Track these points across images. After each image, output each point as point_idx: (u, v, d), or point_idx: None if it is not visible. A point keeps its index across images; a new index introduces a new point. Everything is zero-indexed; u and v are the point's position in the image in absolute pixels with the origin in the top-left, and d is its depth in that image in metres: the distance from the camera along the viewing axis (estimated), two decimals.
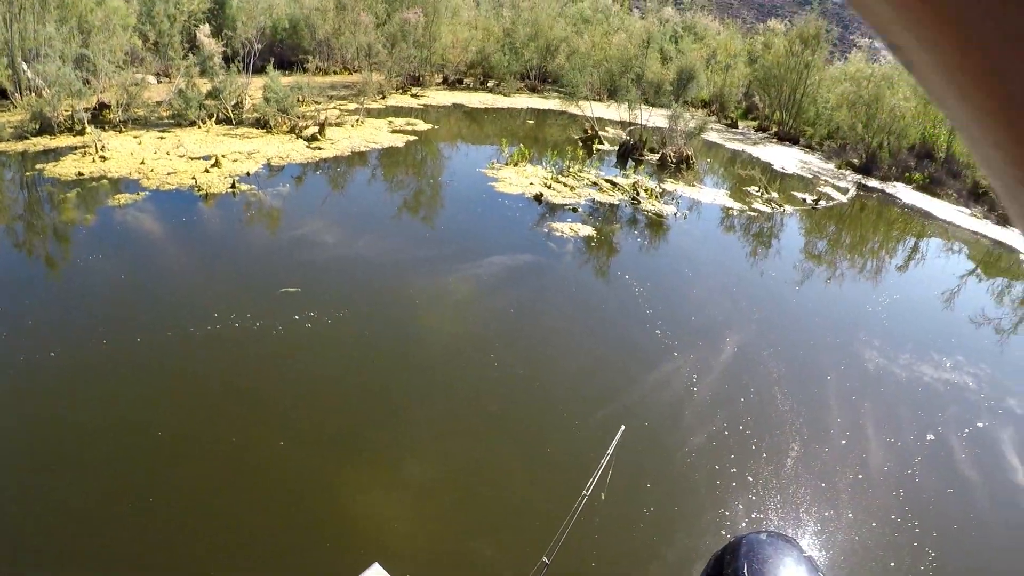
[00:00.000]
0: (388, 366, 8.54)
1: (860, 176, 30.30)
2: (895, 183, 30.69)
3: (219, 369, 8.17)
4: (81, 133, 19.14)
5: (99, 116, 20.60)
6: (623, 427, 4.42)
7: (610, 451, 4.16)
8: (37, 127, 19.28)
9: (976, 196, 30.79)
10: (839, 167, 31.71)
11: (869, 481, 7.57)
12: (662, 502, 6.59)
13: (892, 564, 6.35)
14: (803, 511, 6.76)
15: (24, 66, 23.00)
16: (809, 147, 36.40)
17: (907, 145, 33.65)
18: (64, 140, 18.66)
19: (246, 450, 6.79)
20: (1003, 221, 27.95)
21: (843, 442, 8.14)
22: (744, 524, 6.39)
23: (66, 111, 19.92)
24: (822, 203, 21.99)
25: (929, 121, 34.39)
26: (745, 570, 1.23)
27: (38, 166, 16.04)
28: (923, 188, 31.07)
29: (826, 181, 26.91)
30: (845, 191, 25.62)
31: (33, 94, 21.79)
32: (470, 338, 9.43)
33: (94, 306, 9.50)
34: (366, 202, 15.96)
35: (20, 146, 18.08)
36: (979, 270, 19.80)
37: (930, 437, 8.73)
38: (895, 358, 11.14)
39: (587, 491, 4.04)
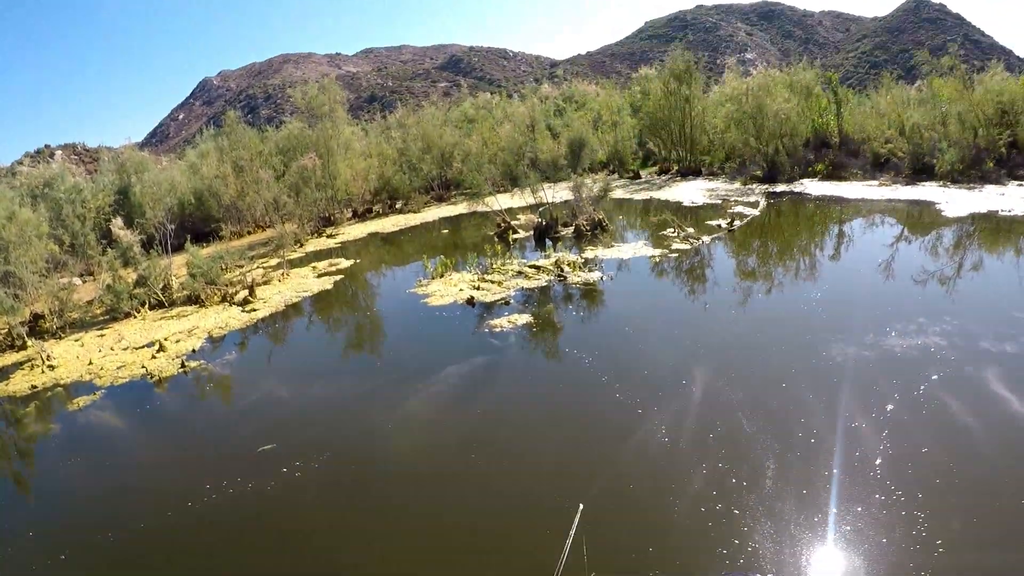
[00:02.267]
0: (380, 492, 8.61)
1: (766, 186, 31.22)
2: (801, 181, 31.67)
3: (234, 533, 8.25)
4: (23, 347, 19.25)
5: (36, 327, 20.73)
6: (581, 506, 4.48)
7: (572, 532, 4.19)
8: None
9: (879, 166, 31.88)
10: (744, 183, 32.63)
11: (866, 464, 7.75)
12: (659, 562, 6.68)
13: (884, 540, 6.52)
14: (794, 524, 6.86)
15: None
16: (712, 174, 37.42)
17: (801, 142, 34.67)
18: (8, 358, 18.72)
19: None
20: (911, 180, 28.92)
21: (821, 440, 8.33)
22: (741, 560, 6.47)
23: (2, 329, 20.02)
24: (736, 223, 22.54)
25: (815, 112, 35.52)
26: None
27: None
28: (828, 176, 32.08)
29: (736, 201, 27.63)
30: (756, 204, 26.33)
31: None
32: (445, 450, 9.52)
33: (89, 505, 9.57)
34: (312, 349, 16.14)
35: None
36: (906, 232, 20.45)
37: (920, 399, 9.08)
38: (858, 342, 11.45)
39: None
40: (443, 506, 8.21)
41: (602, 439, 9.13)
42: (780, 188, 30.51)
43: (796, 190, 29.86)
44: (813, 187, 30.20)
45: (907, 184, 28.34)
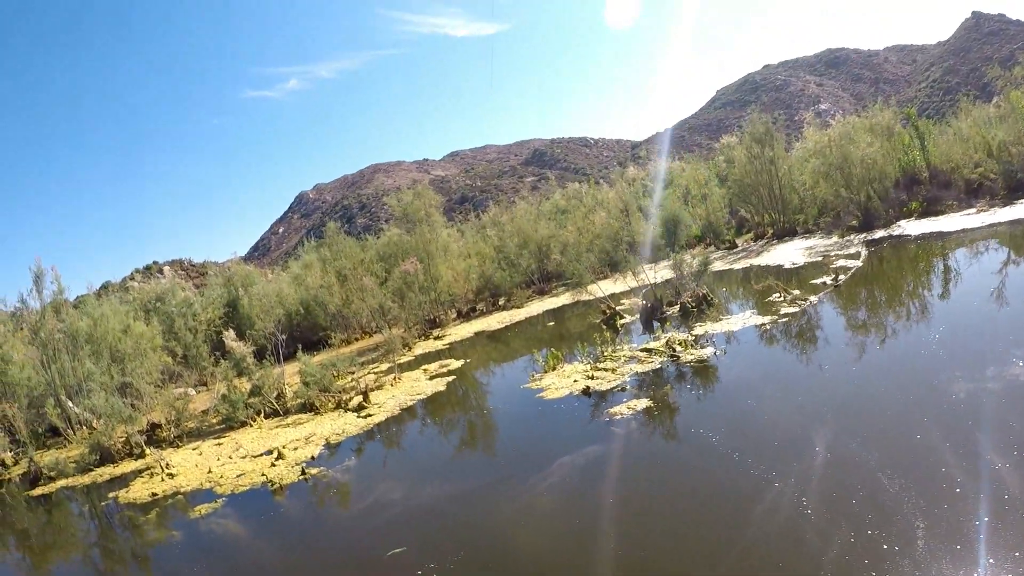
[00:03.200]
0: None
1: (864, 234, 30.94)
2: (897, 223, 31.35)
3: None
4: (141, 456, 20.13)
5: (153, 436, 21.74)
6: None
7: None
8: (98, 458, 20.38)
9: (972, 192, 31.39)
10: (842, 236, 32.38)
11: (1016, 506, 7.58)
12: None
13: None
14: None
15: (70, 403, 24.33)
16: (807, 232, 37.25)
17: (891, 184, 34.34)
18: (127, 466, 19.55)
19: None
20: (1008, 200, 28.30)
21: (965, 488, 8.16)
22: None
23: (120, 437, 20.94)
24: (841, 277, 22.40)
25: (899, 151, 35.22)
26: None
27: (110, 495, 16.87)
28: (924, 213, 31.70)
29: (836, 255, 27.46)
30: (857, 255, 26.13)
31: (84, 427, 22.93)
32: (579, 541, 9.63)
33: None
34: (431, 450, 16.39)
35: (86, 479, 19.18)
36: (1012, 255, 20.04)
37: None
38: (981, 379, 11.23)
39: None
40: None
41: (741, 515, 9.12)
42: (878, 234, 30.15)
43: (894, 233, 29.47)
44: (911, 227, 29.78)
45: (1004, 205, 27.78)
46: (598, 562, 9.05)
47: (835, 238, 32.57)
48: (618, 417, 14.40)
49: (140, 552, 13.48)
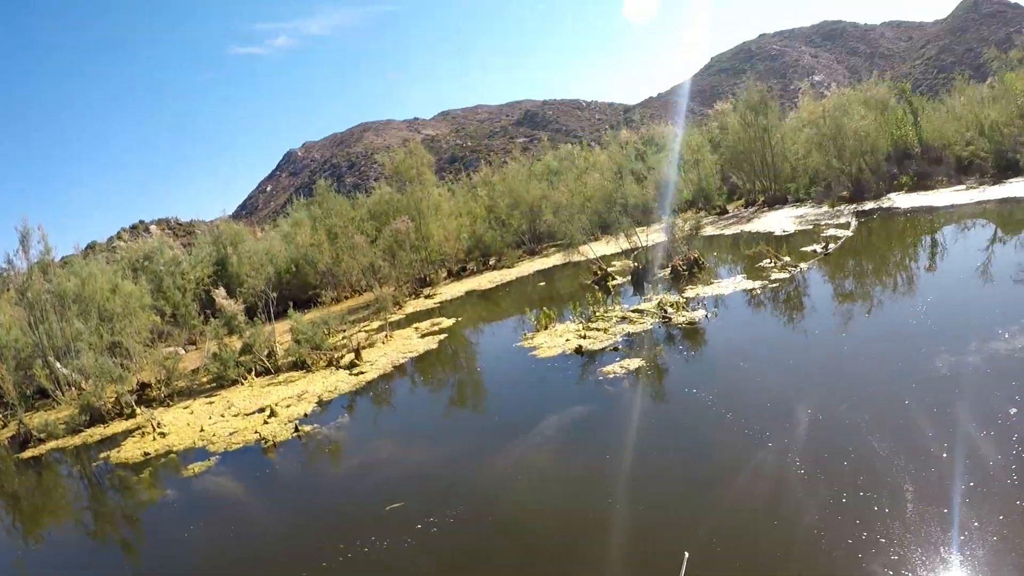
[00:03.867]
0: (515, 540, 8.78)
1: (854, 205, 31.16)
2: (888, 196, 31.56)
3: None
4: (132, 416, 20.08)
5: (143, 396, 21.58)
6: (686, 554, 4.45)
7: None
8: (88, 419, 20.30)
9: (963, 169, 31.63)
10: (832, 206, 32.57)
11: (1004, 471, 7.79)
12: None
13: None
14: (944, 539, 6.94)
15: (58, 364, 24.25)
16: (798, 201, 37.43)
17: (883, 157, 34.49)
18: (118, 426, 19.53)
19: None
20: (998, 179, 28.57)
21: (951, 453, 8.41)
22: None
23: (110, 398, 20.90)
24: (831, 246, 22.62)
25: (892, 125, 35.32)
26: None
27: (102, 455, 16.85)
28: (914, 187, 31.91)
29: (827, 224, 27.70)
30: (847, 225, 26.37)
31: (73, 388, 22.90)
32: (572, 496, 9.77)
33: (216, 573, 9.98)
34: (425, 408, 16.62)
35: (77, 439, 19.11)
36: (999, 232, 20.27)
37: (1014, 410, 8.99)
38: (964, 351, 11.47)
39: None
40: (573, 552, 8.46)
41: (734, 473, 9.35)
42: (868, 206, 30.41)
43: (884, 205, 29.73)
44: (901, 200, 30.05)
45: (994, 184, 28.07)
46: (590, 515, 9.23)
47: (825, 208, 32.80)
48: (611, 376, 14.57)
49: (133, 513, 13.52)
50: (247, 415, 17.74)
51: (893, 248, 22.54)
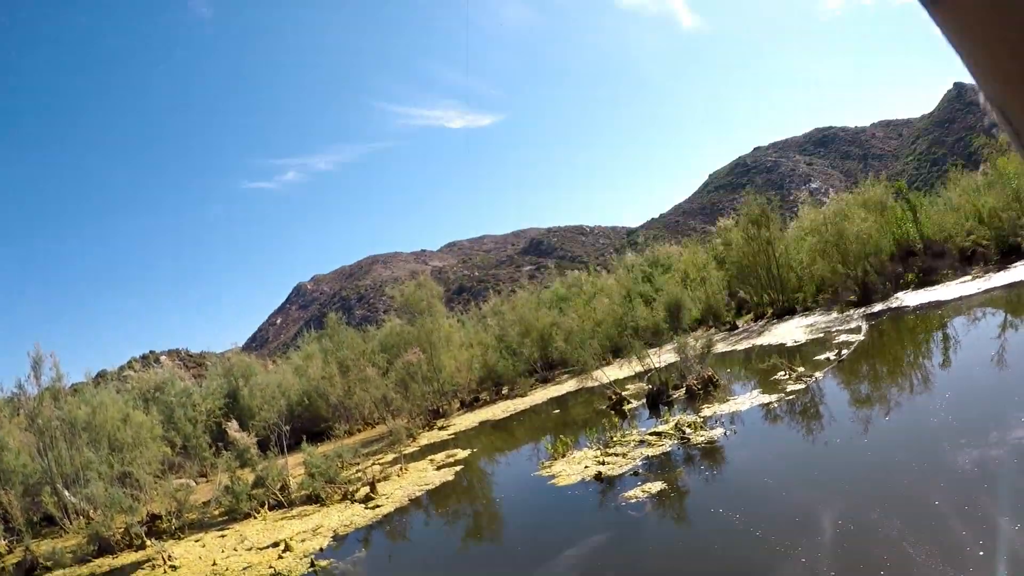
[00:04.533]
0: None
1: (863, 309, 31.16)
2: (896, 295, 31.61)
3: None
4: (142, 547, 19.61)
5: (153, 527, 21.14)
6: None
7: None
8: (96, 548, 19.84)
9: (967, 260, 31.78)
10: (841, 311, 32.59)
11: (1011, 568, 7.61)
12: None
13: None
14: None
15: (66, 492, 23.81)
16: (807, 310, 37.48)
17: (887, 257, 34.72)
18: (127, 557, 19.07)
19: None
20: (1002, 265, 28.69)
21: (987, 550, 8.13)
22: None
23: (119, 528, 20.40)
24: (844, 352, 22.53)
25: (892, 225, 35.71)
26: None
27: None
28: (920, 284, 32.01)
29: (838, 331, 27.63)
30: (858, 330, 26.31)
31: (81, 517, 22.42)
32: None
33: None
34: (445, 541, 16.22)
35: (84, 570, 18.61)
36: (1009, 318, 20.21)
37: None
38: (987, 444, 11.29)
39: None
40: None
41: None
42: (877, 308, 30.40)
43: (893, 306, 29.73)
44: (909, 298, 30.07)
45: (999, 270, 28.19)
46: None
47: (835, 314, 32.76)
48: (634, 500, 14.35)
49: None
50: (261, 549, 17.38)
51: (906, 348, 22.48)
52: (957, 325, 22.31)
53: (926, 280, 32.37)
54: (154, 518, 21.85)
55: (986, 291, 25.39)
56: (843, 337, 25.75)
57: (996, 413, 12.67)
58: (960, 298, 26.11)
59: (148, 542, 20.00)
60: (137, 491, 23.65)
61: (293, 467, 25.82)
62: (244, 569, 15.95)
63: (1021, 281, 23.90)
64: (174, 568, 17.16)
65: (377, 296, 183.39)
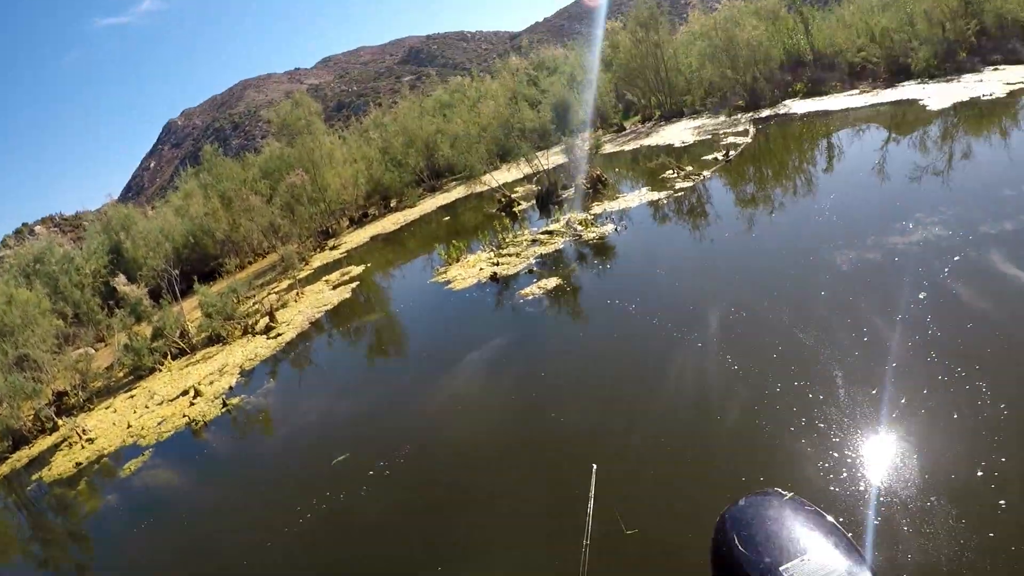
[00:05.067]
0: (467, 475, 8.72)
1: (751, 113, 31.47)
2: (784, 102, 31.94)
3: (347, 536, 8.31)
4: (55, 429, 18.75)
5: (62, 405, 20.17)
6: (595, 466, 4.51)
7: (591, 494, 4.23)
8: (10, 443, 18.67)
9: (856, 75, 32.10)
10: (729, 115, 32.87)
11: (920, 350, 7.93)
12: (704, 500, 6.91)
13: (955, 415, 6.77)
14: (877, 416, 7.06)
15: None
16: (695, 113, 37.61)
17: (776, 66, 34.76)
18: (43, 442, 18.19)
19: None
20: (890, 82, 29.15)
21: (873, 339, 8.51)
22: (844, 473, 6.72)
23: (28, 415, 19.52)
24: (732, 153, 22.74)
25: (784, 35, 35.63)
26: (735, 540, 1.49)
27: (33, 477, 15.55)
28: (809, 93, 32.32)
29: (725, 133, 27.88)
30: (746, 133, 26.61)
31: None
32: (514, 421, 9.71)
33: (175, 561, 9.40)
34: (351, 359, 16.19)
35: (4, 468, 17.57)
36: (893, 133, 20.56)
37: (923, 294, 9.16)
38: (862, 246, 11.61)
39: (587, 540, 4.09)
40: (515, 468, 8.54)
41: (668, 374, 9.40)
42: (765, 113, 30.70)
43: (781, 112, 30.06)
44: (797, 106, 30.40)
45: (887, 87, 28.55)
46: (528, 431, 9.17)
47: (723, 117, 33.03)
48: (531, 297, 14.47)
49: (79, 530, 12.58)
50: (172, 401, 16.86)
51: (792, 152, 22.81)
52: (842, 135, 22.55)
53: (814, 91, 32.64)
54: (60, 396, 20.58)
55: (873, 105, 25.71)
56: (730, 139, 25.99)
57: (874, 219, 12.96)
58: (847, 110, 26.44)
59: (60, 421, 18.88)
60: (38, 372, 22.34)
61: (189, 312, 25.07)
62: (159, 424, 15.44)
63: (908, 100, 24.23)
64: (91, 441, 16.39)
65: (253, 122, 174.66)
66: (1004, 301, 8.56)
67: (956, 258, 10.02)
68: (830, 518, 1.48)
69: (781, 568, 1.28)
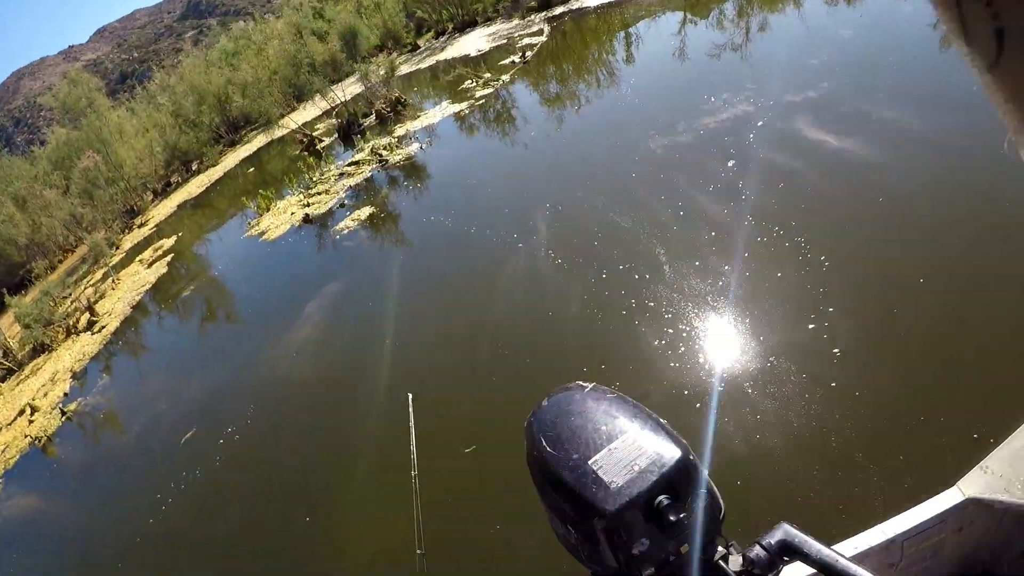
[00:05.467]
0: (303, 417, 8.42)
1: (544, 12, 31.07)
2: None
3: (217, 509, 7.94)
4: None
5: None
6: (411, 395, 4.39)
7: (411, 424, 4.11)
8: None
9: None
10: (523, 17, 32.46)
11: (737, 218, 7.92)
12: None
13: (779, 273, 6.75)
14: (704, 289, 7.03)
15: None
16: (488, 20, 37.00)
17: None
18: None
19: None
20: None
21: (689, 213, 8.49)
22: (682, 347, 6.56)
23: None
24: (529, 54, 22.49)
25: None
26: (543, 442, 1.25)
27: None
28: None
29: (520, 35, 27.55)
30: (541, 32, 26.35)
31: None
32: (357, 351, 9.48)
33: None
34: (183, 335, 15.22)
35: None
36: (688, 15, 20.71)
37: (732, 163, 9.20)
38: (674, 130, 11.48)
39: (415, 472, 3.97)
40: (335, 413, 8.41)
41: (494, 278, 9.25)
42: (559, 10, 30.42)
43: (574, 7, 29.84)
44: (590, 0, 30.36)
45: None
46: (371, 366, 8.84)
47: (516, 20, 32.62)
48: (346, 231, 14.00)
49: None
50: (10, 425, 15.59)
51: (589, 46, 22.66)
52: (640, 25, 22.53)
53: None
54: None
55: None
56: (526, 40, 25.67)
57: (681, 102, 12.93)
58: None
59: None
60: None
61: (8, 328, 22.98)
62: (2, 452, 14.24)
63: None
64: None
65: (35, 114, 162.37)
66: (813, 161, 8.60)
67: (762, 124, 10.07)
68: (631, 400, 1.31)
69: (590, 462, 1.21)
